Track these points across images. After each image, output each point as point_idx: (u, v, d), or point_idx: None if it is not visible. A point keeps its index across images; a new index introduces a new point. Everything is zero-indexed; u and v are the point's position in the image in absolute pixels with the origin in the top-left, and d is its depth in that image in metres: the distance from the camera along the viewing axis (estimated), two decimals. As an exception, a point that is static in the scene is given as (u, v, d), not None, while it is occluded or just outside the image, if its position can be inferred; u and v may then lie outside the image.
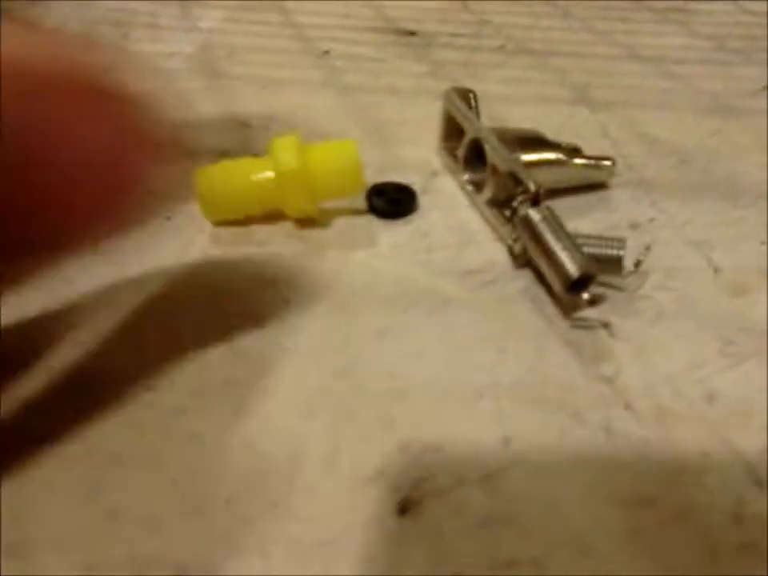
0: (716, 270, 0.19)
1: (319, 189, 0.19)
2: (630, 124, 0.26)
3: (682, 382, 0.16)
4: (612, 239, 0.18)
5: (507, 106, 0.27)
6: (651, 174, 0.24)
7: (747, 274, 0.19)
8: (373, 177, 0.22)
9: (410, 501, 0.13)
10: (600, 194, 0.22)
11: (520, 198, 0.18)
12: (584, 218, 0.21)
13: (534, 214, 0.18)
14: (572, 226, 0.21)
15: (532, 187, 0.18)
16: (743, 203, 0.22)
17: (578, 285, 0.17)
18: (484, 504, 0.13)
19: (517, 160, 0.20)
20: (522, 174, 0.18)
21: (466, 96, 0.23)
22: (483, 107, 0.26)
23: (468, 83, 0.30)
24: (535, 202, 0.18)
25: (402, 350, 0.17)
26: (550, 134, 0.26)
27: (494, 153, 0.20)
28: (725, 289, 0.19)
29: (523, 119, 0.27)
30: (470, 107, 0.23)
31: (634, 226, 0.21)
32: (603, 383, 0.16)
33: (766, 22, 0.34)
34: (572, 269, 0.16)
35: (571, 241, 0.17)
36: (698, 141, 0.26)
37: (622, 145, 0.25)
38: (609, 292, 0.18)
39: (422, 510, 0.13)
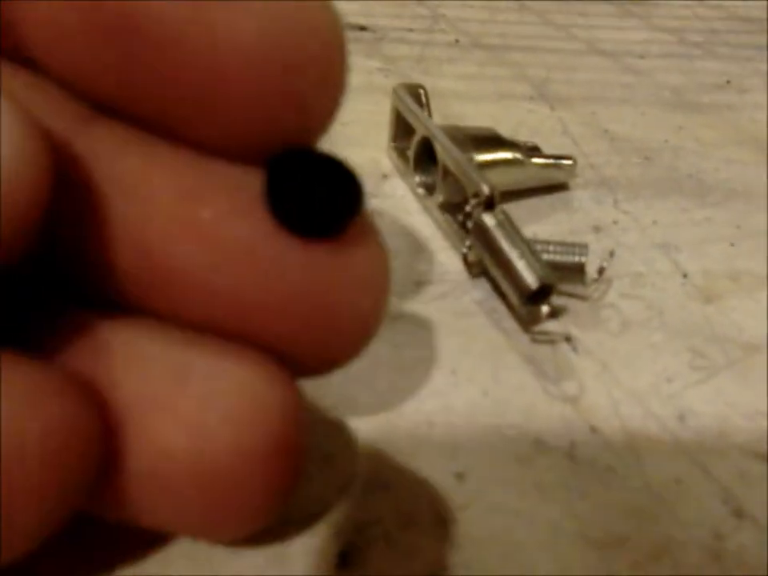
0: (684, 275, 0.18)
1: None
2: (591, 120, 0.25)
3: (650, 400, 0.15)
4: (573, 245, 0.17)
5: (462, 103, 0.26)
6: (613, 172, 0.22)
7: (717, 279, 0.18)
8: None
9: (352, 549, 0.12)
10: (560, 195, 0.21)
11: (473, 202, 0.17)
12: (543, 222, 0.20)
13: (488, 219, 0.16)
14: (531, 230, 0.19)
15: (485, 190, 0.16)
16: (710, 202, 0.21)
17: (537, 296, 0.15)
18: (436, 550, 0.12)
19: (470, 160, 0.18)
20: (475, 176, 0.17)
21: (415, 92, 0.21)
22: (437, 104, 0.25)
23: (421, 79, 0.28)
24: (489, 205, 0.16)
25: (346, 374, 0.15)
26: (507, 132, 0.24)
27: (445, 153, 0.18)
28: (694, 295, 0.18)
29: (479, 117, 0.25)
30: (421, 104, 0.21)
31: (597, 229, 0.20)
32: (566, 404, 0.15)
33: (725, 15, 0.33)
34: (530, 279, 0.15)
35: (529, 248, 0.16)
36: (661, 137, 0.24)
37: (582, 142, 0.24)
38: (571, 302, 0.17)
39: (367, 559, 0.12)
